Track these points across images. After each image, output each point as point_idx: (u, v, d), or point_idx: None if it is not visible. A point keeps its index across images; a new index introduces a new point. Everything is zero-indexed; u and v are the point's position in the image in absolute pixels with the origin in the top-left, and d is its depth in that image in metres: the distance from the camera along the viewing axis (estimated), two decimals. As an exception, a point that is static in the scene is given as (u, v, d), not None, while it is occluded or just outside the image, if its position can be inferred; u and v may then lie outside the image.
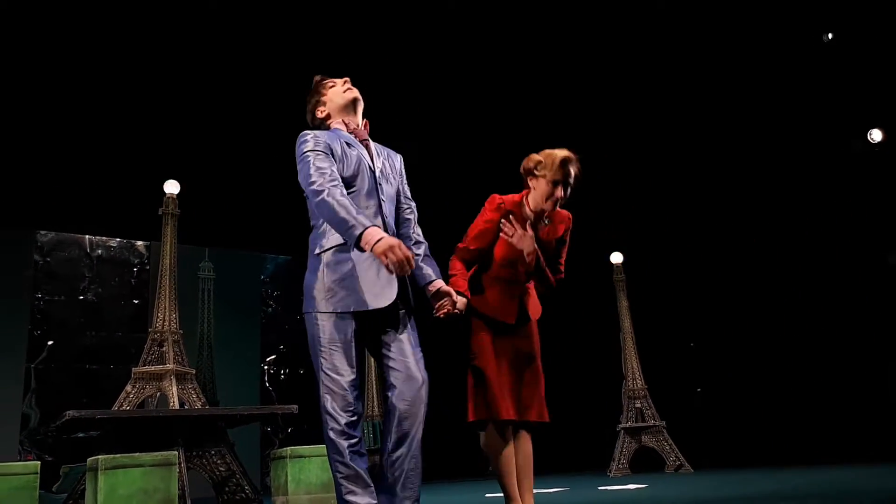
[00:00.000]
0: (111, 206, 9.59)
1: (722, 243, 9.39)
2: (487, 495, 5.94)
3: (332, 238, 2.36)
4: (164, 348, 6.70)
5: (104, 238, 11.16)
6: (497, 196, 2.90)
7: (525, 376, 2.90)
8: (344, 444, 2.26)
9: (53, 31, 7.61)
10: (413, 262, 2.19)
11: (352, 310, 2.31)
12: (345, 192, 2.29)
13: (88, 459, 5.31)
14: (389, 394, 2.35)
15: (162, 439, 5.61)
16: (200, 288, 11.54)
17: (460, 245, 2.92)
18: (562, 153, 2.84)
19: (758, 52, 8.28)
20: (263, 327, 11.94)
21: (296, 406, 6.42)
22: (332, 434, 2.27)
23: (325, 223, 2.35)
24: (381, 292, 2.32)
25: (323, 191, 2.26)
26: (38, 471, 5.47)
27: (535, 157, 2.87)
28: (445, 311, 2.50)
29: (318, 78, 2.62)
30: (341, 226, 2.24)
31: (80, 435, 9.71)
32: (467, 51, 8.76)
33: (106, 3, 7.43)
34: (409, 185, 2.63)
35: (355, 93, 2.57)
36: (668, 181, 9.70)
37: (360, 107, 2.59)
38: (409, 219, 2.59)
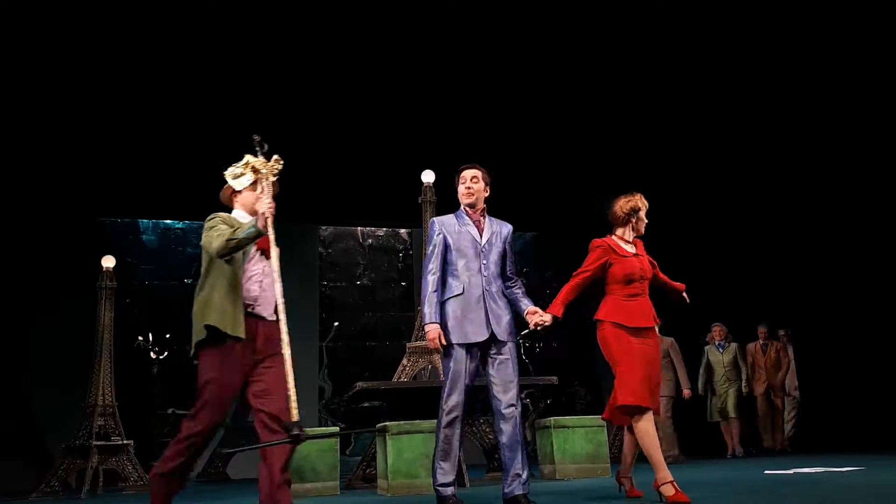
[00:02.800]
0: (377, 198, 10.52)
1: None
2: (767, 472, 5.54)
3: (448, 291, 3.72)
4: (432, 325, 7.19)
5: (373, 228, 12.34)
6: (596, 239, 4.00)
7: (654, 375, 3.83)
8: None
9: (317, 30, 8.49)
10: (437, 344, 3.61)
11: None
12: (436, 280, 3.71)
13: (378, 426, 5.92)
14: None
15: (436, 408, 6.05)
16: (457, 268, 12.22)
17: (577, 271, 3.95)
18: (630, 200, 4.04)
19: None
20: (517, 303, 12.32)
21: (555, 377, 6.53)
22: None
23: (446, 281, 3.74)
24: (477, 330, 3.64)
25: (424, 279, 3.75)
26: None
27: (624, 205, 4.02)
28: (534, 323, 3.68)
29: (462, 168, 3.96)
30: (422, 306, 3.74)
31: (366, 404, 10.88)
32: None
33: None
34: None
35: (469, 199, 3.86)
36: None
37: (477, 201, 3.87)
38: (512, 276, 3.86)
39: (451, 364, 3.60)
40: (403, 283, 12.27)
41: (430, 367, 7.11)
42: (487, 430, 6.94)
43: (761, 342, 9.25)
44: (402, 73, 9.00)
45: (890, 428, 8.35)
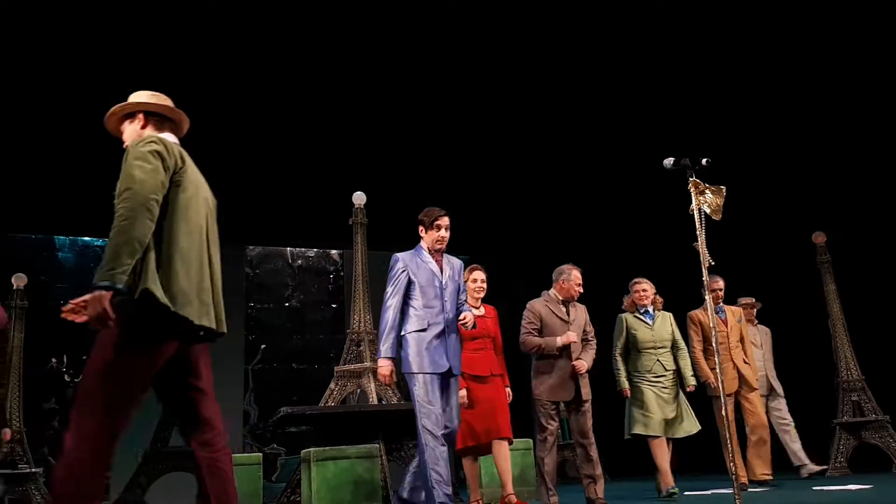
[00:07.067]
0: (307, 219, 10.40)
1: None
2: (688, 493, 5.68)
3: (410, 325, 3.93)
4: (361, 348, 7.15)
5: (303, 249, 12.15)
6: None
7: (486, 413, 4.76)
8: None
9: (250, 60, 8.40)
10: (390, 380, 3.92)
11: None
12: (396, 316, 3.91)
13: (302, 452, 5.79)
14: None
15: (364, 433, 5.98)
16: (389, 291, 12.15)
17: None
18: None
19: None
20: (448, 326, 12.30)
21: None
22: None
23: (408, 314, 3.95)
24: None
25: (385, 314, 3.95)
26: (261, 461, 6.07)
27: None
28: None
29: (435, 213, 4.04)
30: (379, 339, 3.99)
31: (293, 429, 10.62)
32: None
33: (302, 32, 8.08)
34: None
35: (442, 244, 4.05)
36: (873, 149, 8.68)
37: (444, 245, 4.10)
38: (461, 306, 4.07)
39: (420, 390, 3.84)
40: (334, 306, 12.10)
41: (358, 391, 7.02)
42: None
43: (713, 304, 4.85)
44: (334, 95, 8.98)
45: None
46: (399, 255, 4.11)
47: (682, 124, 8.96)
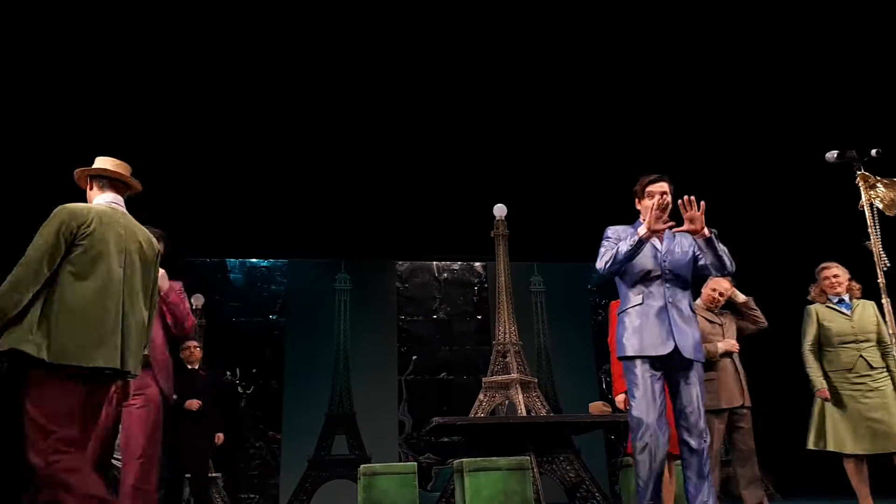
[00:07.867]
0: (451, 233, 10.65)
1: None
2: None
3: (626, 303, 3.43)
4: (507, 359, 7.19)
5: (448, 262, 12.44)
6: None
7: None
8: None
9: (394, 82, 8.74)
10: (664, 205, 3.30)
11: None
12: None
13: (454, 462, 5.92)
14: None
15: (514, 444, 6.01)
16: (533, 301, 12.14)
17: None
18: None
19: None
20: (595, 336, 12.06)
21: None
22: None
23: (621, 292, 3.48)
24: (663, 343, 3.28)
25: (602, 264, 3.40)
26: (416, 470, 6.26)
27: None
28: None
29: (647, 179, 3.54)
30: (627, 253, 3.31)
31: (445, 439, 10.86)
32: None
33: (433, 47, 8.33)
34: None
35: (663, 212, 3.47)
36: None
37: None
38: (703, 260, 3.45)
39: (637, 381, 3.29)
40: (479, 317, 12.27)
41: (506, 402, 7.07)
42: (567, 466, 6.81)
43: None
44: (473, 110, 9.15)
45: None
46: (611, 227, 3.59)
47: (851, 112, 8.28)
